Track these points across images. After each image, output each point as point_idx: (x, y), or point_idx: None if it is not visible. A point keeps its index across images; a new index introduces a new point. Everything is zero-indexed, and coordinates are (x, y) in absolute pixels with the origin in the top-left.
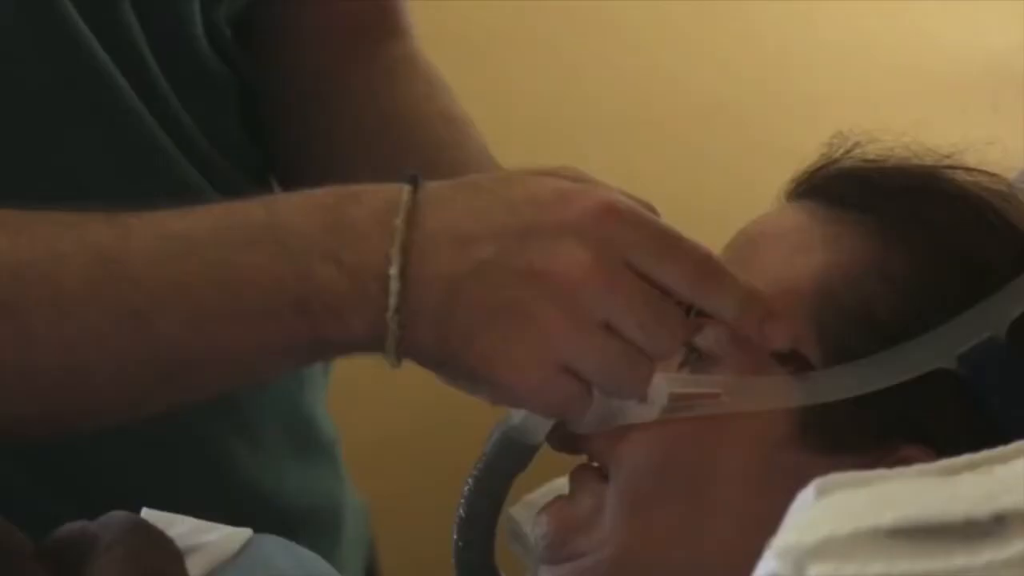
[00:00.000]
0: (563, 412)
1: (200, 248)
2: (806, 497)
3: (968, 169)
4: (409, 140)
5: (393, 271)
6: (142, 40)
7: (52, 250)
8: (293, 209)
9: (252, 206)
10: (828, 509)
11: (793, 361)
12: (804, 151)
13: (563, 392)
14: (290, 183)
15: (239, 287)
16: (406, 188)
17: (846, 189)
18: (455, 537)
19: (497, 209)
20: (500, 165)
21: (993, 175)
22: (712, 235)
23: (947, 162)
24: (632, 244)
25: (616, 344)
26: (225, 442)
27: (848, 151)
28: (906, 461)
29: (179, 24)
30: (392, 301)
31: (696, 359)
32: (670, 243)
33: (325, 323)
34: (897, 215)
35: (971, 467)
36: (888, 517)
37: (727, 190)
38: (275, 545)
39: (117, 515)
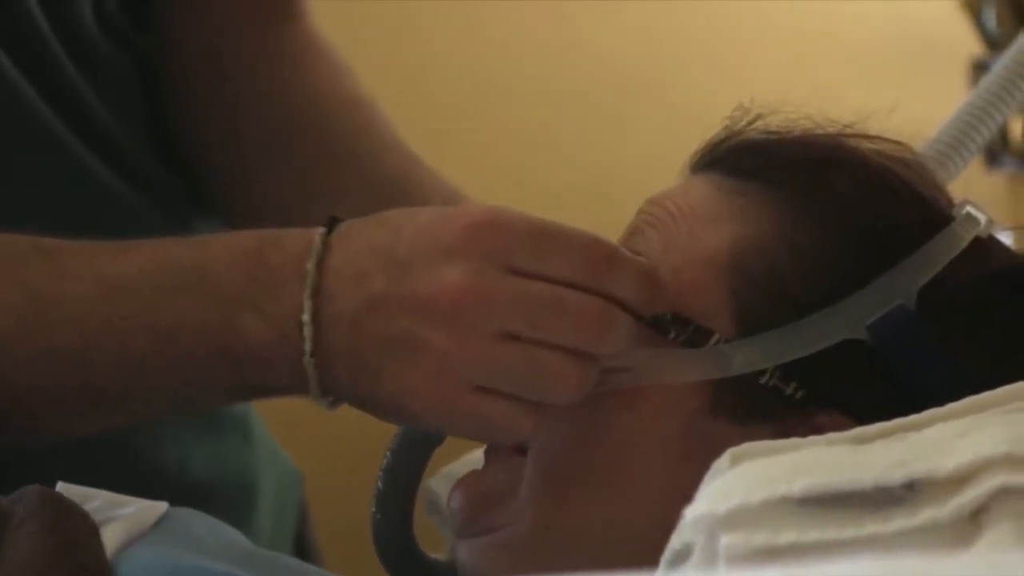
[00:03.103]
0: (495, 433)
1: (131, 292)
2: (720, 465)
3: (871, 137)
4: (319, 131)
5: (306, 317)
6: (47, 30)
7: None
8: (218, 254)
9: (181, 249)
10: (740, 478)
11: (704, 333)
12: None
13: (483, 411)
14: (196, 175)
15: (168, 333)
16: (320, 231)
17: (750, 161)
18: (373, 510)
19: (388, 240)
20: (410, 149)
21: (896, 143)
22: (633, 204)
23: (850, 131)
24: (511, 249)
25: (520, 350)
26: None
27: (751, 122)
28: (821, 429)
29: (73, 6)
30: (307, 346)
31: None
32: (549, 237)
33: (252, 370)
34: (801, 186)
35: (883, 435)
36: (798, 485)
37: (647, 159)
38: (191, 517)
39: (31, 489)
